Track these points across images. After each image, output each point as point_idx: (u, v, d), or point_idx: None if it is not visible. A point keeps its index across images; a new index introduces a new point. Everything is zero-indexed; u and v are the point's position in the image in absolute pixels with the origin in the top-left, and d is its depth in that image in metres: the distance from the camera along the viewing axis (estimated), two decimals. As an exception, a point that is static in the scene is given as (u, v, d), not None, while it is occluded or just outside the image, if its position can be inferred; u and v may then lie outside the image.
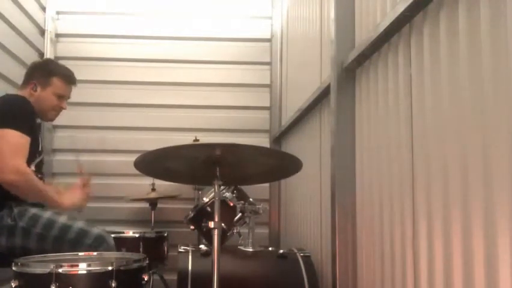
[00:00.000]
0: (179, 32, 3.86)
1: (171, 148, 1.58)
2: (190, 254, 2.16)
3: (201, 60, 3.84)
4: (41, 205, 2.37)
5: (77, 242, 2.18)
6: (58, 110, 2.57)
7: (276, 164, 1.81)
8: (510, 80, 1.00)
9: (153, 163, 1.76)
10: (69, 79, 2.57)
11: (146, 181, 3.16)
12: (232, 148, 1.65)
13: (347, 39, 1.95)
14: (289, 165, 1.85)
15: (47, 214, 2.26)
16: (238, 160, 1.70)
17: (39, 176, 2.42)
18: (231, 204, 2.47)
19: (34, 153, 2.38)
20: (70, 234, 2.19)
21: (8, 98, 2.42)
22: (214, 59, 3.85)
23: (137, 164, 1.69)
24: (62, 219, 2.25)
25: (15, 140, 2.21)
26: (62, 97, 2.55)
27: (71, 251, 2.10)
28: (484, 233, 1.07)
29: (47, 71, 2.52)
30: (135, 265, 1.78)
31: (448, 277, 1.22)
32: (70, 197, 2.38)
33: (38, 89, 2.47)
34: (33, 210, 2.26)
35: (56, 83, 2.51)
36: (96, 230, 2.22)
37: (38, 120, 2.62)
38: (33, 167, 2.37)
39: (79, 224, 2.23)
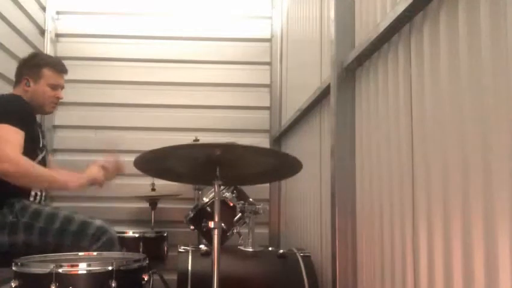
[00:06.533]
0: (179, 32, 3.86)
1: (171, 148, 1.58)
2: (190, 254, 2.16)
3: (201, 60, 3.84)
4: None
5: (79, 233, 2.20)
6: (55, 101, 2.57)
7: (276, 164, 1.81)
8: (510, 80, 1.00)
9: (153, 162, 1.75)
10: (59, 68, 2.58)
11: (146, 181, 3.16)
12: (231, 148, 1.65)
13: (347, 39, 1.95)
14: (289, 166, 1.85)
15: (48, 209, 2.30)
16: (238, 160, 1.70)
17: None
18: (231, 204, 2.47)
19: (35, 150, 2.38)
20: (72, 226, 2.21)
21: (2, 97, 2.43)
22: (214, 59, 3.85)
23: (137, 163, 1.69)
24: (64, 212, 2.28)
25: (8, 132, 2.21)
26: (56, 87, 2.56)
27: (74, 242, 2.13)
28: (484, 233, 1.07)
29: (36, 64, 2.53)
30: (135, 265, 1.78)
31: (448, 277, 1.22)
32: (77, 176, 2.36)
33: (31, 84, 2.48)
34: (35, 206, 2.29)
35: (47, 73, 2.52)
36: (98, 221, 2.25)
37: (38, 120, 2.62)
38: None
39: (81, 217, 2.26)
